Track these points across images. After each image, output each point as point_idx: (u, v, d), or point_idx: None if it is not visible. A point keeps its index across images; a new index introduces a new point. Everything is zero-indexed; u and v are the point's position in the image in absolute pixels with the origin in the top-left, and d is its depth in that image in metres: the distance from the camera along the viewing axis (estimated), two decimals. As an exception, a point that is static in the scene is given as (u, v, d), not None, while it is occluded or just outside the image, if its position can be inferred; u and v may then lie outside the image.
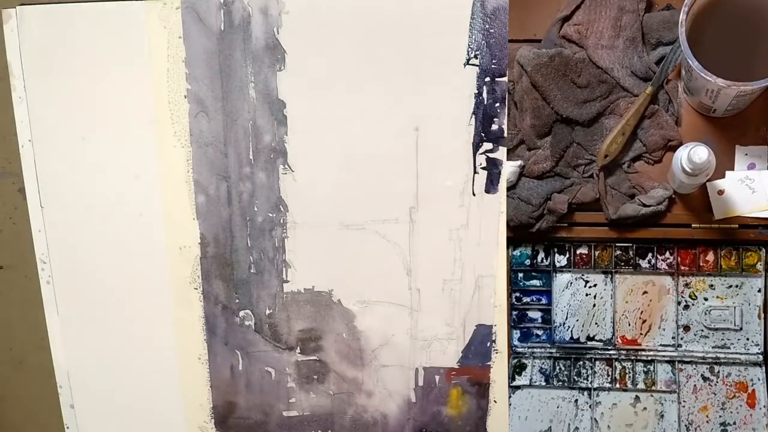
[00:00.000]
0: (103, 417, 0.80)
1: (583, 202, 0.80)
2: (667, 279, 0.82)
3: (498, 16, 0.72)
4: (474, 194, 0.74)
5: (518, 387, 0.83)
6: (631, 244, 0.82)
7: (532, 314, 0.84)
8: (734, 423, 0.81)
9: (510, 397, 0.83)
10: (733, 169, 0.78)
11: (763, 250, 0.80)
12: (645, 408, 0.82)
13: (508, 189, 0.78)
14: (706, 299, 0.81)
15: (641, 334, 0.82)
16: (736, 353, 0.81)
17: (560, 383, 0.83)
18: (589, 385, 0.83)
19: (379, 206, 0.75)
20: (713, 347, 0.82)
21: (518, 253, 0.83)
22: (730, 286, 0.81)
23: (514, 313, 0.83)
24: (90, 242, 0.77)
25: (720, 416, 0.81)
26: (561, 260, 0.83)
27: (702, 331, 0.82)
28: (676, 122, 0.78)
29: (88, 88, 0.75)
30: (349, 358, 0.78)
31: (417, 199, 0.75)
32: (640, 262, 0.82)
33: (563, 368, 0.83)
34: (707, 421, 0.81)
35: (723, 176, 0.78)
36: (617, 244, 0.82)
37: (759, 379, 0.81)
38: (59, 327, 0.79)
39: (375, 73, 0.73)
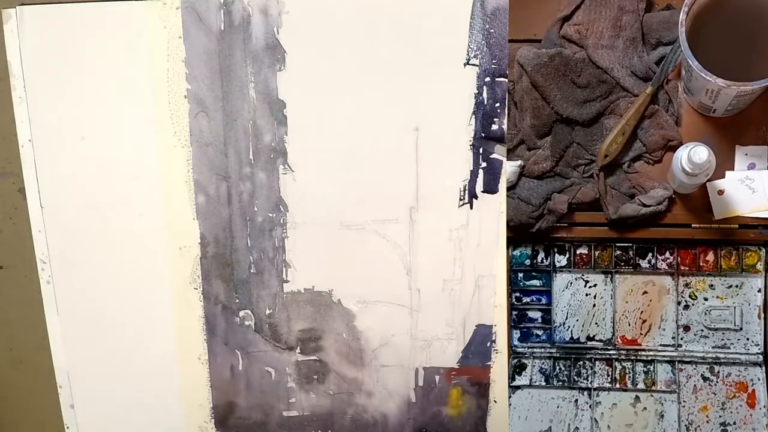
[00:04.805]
0: (103, 417, 0.80)
1: (583, 202, 0.80)
2: (667, 279, 0.82)
3: (498, 16, 0.72)
4: (474, 194, 0.74)
5: (518, 387, 0.83)
6: (631, 244, 0.82)
7: (532, 314, 0.84)
8: (734, 423, 0.81)
9: (510, 397, 0.83)
10: (733, 169, 0.78)
11: (763, 250, 0.80)
12: (645, 408, 0.82)
13: (508, 189, 0.78)
14: (706, 299, 0.81)
15: (641, 334, 0.82)
16: (736, 353, 0.81)
17: (560, 383, 0.83)
18: (589, 385, 0.83)
19: (379, 206, 0.75)
20: (713, 347, 0.82)
21: (518, 253, 0.83)
22: (730, 286, 0.81)
23: (514, 313, 0.83)
24: (90, 242, 0.77)
25: (720, 416, 0.81)
26: (561, 260, 0.83)
27: (702, 331, 0.82)
28: (676, 122, 0.78)
29: (88, 88, 0.75)
30: (349, 358, 0.78)
31: (417, 199, 0.75)
32: (640, 262, 0.82)
33: (563, 368, 0.83)
34: (707, 421, 0.81)
35: (723, 176, 0.78)
36: (617, 244, 0.82)
37: (759, 379, 0.81)
38: (59, 327, 0.79)
39: (375, 73, 0.73)
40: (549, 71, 0.77)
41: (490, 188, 0.74)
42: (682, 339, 0.82)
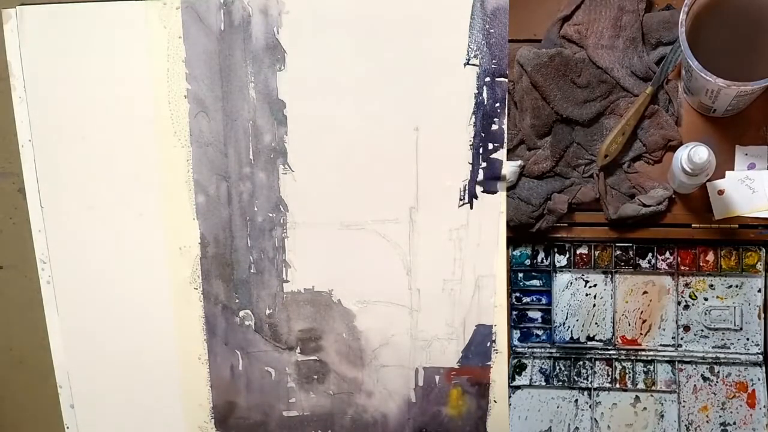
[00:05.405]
0: (103, 417, 0.80)
1: (583, 202, 0.80)
2: (667, 279, 0.82)
3: (498, 16, 0.72)
4: (474, 194, 0.74)
5: (518, 387, 0.83)
6: (631, 244, 0.82)
7: (532, 314, 0.84)
8: (734, 423, 0.81)
9: (510, 397, 0.83)
10: (733, 169, 0.78)
11: (763, 250, 0.80)
12: (645, 408, 0.82)
13: (508, 189, 0.78)
14: (706, 299, 0.81)
15: (641, 334, 0.82)
16: (736, 353, 0.81)
17: (560, 383, 0.83)
18: (589, 385, 0.83)
19: (379, 206, 0.75)
20: (713, 347, 0.82)
21: (518, 253, 0.83)
22: (730, 286, 0.81)
23: (514, 313, 0.83)
24: (90, 242, 0.77)
25: (720, 416, 0.81)
26: (561, 260, 0.83)
27: (702, 331, 0.82)
28: (676, 122, 0.78)
29: (88, 88, 0.75)
30: (349, 358, 0.78)
31: (417, 199, 0.75)
32: (640, 262, 0.82)
33: (563, 368, 0.83)
34: (707, 421, 0.81)
35: (723, 176, 0.78)
36: (617, 244, 0.82)
37: (759, 379, 0.81)
38: (59, 327, 0.79)
39: (375, 73, 0.73)
40: (549, 71, 0.77)
41: (490, 188, 0.74)
42: (682, 339, 0.82)
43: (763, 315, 0.81)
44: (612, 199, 0.80)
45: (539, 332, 0.83)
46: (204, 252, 0.77)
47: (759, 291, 0.81)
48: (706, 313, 0.81)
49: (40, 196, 0.77)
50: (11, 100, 0.76)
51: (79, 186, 0.77)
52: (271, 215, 0.76)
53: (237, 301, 0.78)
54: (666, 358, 0.82)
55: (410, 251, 0.76)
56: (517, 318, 0.84)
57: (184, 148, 0.76)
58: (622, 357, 0.82)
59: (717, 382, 0.81)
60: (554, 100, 0.78)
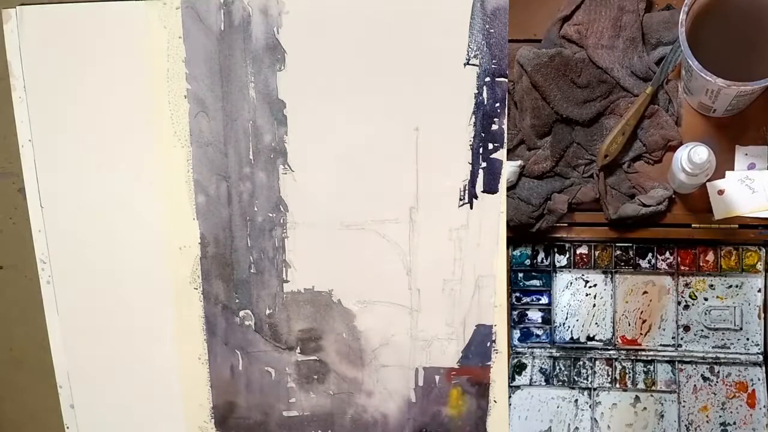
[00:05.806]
0: (103, 417, 0.80)
1: (583, 202, 0.80)
2: (667, 279, 0.82)
3: (498, 16, 0.72)
4: (474, 194, 0.74)
5: (518, 387, 0.83)
6: (631, 244, 0.82)
7: (532, 314, 0.84)
8: (734, 423, 0.81)
9: (510, 397, 0.83)
10: (733, 169, 0.78)
11: (763, 250, 0.80)
12: (645, 408, 0.82)
13: (508, 189, 0.78)
14: (706, 299, 0.81)
15: (641, 334, 0.82)
16: (736, 353, 0.81)
17: (560, 383, 0.83)
18: (589, 385, 0.83)
19: (379, 206, 0.75)
20: (713, 347, 0.81)
21: (518, 253, 0.83)
22: (730, 286, 0.81)
23: (514, 313, 0.83)
24: (90, 242, 0.77)
25: (720, 416, 0.81)
26: (561, 260, 0.83)
27: (702, 331, 0.82)
28: (676, 122, 0.78)
29: (88, 88, 0.75)
30: (349, 358, 0.78)
31: (417, 199, 0.75)
32: (640, 262, 0.82)
33: (563, 368, 0.83)
34: (707, 421, 0.81)
35: (723, 176, 0.78)
36: (617, 244, 0.82)
37: (759, 379, 0.81)
38: (59, 327, 0.79)
39: (375, 73, 0.73)
40: (549, 71, 0.77)
41: (490, 188, 0.74)
42: (682, 339, 0.82)
43: (763, 315, 0.81)
44: (612, 199, 0.80)
45: (539, 332, 0.83)
46: (204, 252, 0.77)
47: (759, 291, 0.81)
48: (706, 313, 0.81)
49: (40, 196, 0.77)
50: (11, 100, 0.76)
51: (79, 186, 0.77)
52: (271, 215, 0.76)
53: (237, 301, 0.78)
54: (666, 358, 0.82)
55: (410, 251, 0.76)
56: (517, 318, 0.84)
57: (184, 148, 0.76)
58: (622, 357, 0.82)
59: (717, 382, 0.81)
60: (554, 100, 0.77)
